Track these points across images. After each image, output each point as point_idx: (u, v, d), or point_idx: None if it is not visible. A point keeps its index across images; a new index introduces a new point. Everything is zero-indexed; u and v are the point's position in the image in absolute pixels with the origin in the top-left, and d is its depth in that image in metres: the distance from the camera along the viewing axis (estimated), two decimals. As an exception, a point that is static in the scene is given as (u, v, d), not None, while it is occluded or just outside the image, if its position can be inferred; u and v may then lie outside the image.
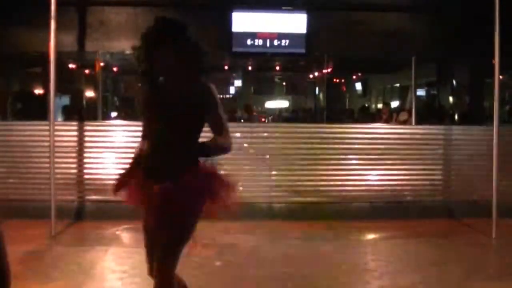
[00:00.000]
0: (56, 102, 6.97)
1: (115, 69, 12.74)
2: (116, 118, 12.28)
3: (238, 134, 7.88)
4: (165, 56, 2.95)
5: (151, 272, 3.08)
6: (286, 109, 18.67)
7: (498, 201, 6.92)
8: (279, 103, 21.05)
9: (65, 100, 13.00)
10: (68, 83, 12.25)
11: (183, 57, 3.00)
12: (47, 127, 6.84)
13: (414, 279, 5.32)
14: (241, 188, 7.83)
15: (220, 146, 3.05)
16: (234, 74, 17.85)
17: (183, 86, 3.03)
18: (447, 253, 6.40)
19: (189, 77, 3.05)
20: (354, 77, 16.37)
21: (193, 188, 2.96)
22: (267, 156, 8.04)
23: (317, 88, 14.81)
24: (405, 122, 9.51)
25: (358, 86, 16.48)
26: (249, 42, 8.38)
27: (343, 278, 5.36)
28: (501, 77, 7.15)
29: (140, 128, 3.18)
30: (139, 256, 6.01)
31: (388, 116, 10.71)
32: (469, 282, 5.29)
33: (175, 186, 2.94)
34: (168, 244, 2.96)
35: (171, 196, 2.92)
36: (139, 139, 3.21)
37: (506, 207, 7.34)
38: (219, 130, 3.05)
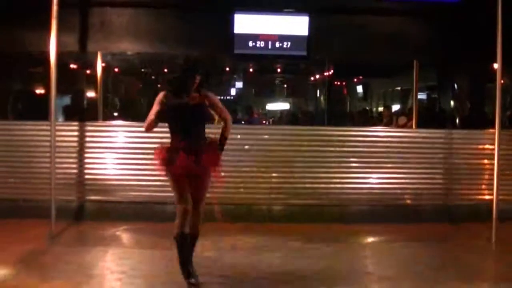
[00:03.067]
0: (57, 102, 6.97)
1: (116, 70, 12.72)
2: (116, 118, 12.25)
3: (238, 136, 7.88)
4: (191, 82, 5.01)
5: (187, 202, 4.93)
6: (287, 112, 18.63)
7: (499, 205, 6.92)
8: (280, 106, 21.01)
9: (66, 100, 12.98)
10: (69, 83, 12.22)
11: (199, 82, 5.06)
12: (48, 127, 6.86)
13: (414, 283, 5.31)
14: (241, 190, 7.92)
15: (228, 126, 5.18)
16: (235, 76, 17.81)
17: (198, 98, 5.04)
18: (447, 257, 6.40)
19: (198, 92, 5.08)
20: (355, 80, 16.33)
21: (208, 155, 5.00)
22: (268, 158, 8.05)
23: (318, 91, 14.79)
24: (404, 126, 9.49)
25: (359, 89, 16.44)
26: (250, 44, 8.36)
27: (342, 281, 5.36)
28: (502, 81, 7.15)
29: (140, 129, 5.09)
30: (139, 257, 6.05)
31: (389, 120, 10.69)
32: (468, 286, 5.31)
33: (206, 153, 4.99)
34: (206, 188, 5.11)
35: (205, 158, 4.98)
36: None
37: (507, 211, 7.35)
38: (224, 114, 5.20)
